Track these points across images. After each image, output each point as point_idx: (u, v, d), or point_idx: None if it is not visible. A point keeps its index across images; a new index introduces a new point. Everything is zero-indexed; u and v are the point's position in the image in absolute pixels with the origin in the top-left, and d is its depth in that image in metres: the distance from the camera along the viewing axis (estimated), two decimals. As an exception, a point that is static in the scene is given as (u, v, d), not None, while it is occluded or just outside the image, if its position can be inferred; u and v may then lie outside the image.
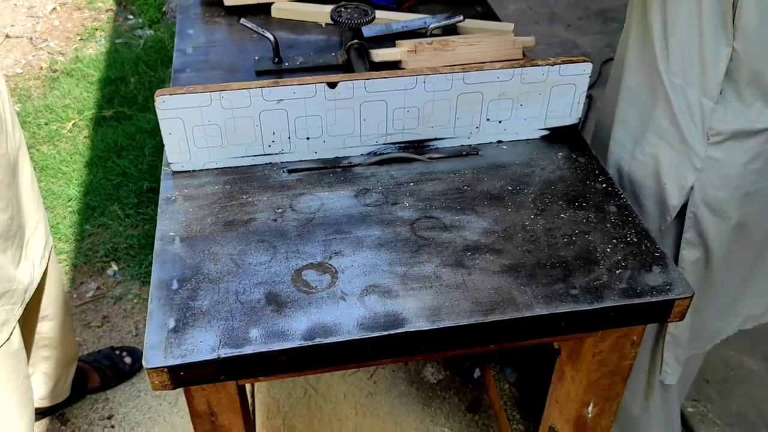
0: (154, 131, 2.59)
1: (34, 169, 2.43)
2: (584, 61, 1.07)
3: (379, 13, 1.37)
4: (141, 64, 3.03)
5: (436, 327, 0.83)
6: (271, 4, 1.48)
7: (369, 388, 1.85)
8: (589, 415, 1.06)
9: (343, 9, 1.31)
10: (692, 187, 1.05)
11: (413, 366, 1.89)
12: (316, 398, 1.82)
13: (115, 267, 2.15)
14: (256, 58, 1.31)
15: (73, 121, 2.73)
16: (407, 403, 1.80)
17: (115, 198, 2.37)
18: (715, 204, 1.05)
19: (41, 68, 3.12)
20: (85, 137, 2.66)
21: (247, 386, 1.59)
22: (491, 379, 1.74)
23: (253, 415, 1.77)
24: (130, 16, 3.55)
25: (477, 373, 1.86)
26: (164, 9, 3.74)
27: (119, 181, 2.42)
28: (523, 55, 1.29)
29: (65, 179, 2.45)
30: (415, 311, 0.85)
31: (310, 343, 0.81)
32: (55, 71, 3.08)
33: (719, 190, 1.03)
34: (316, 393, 1.83)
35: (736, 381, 1.85)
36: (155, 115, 1.01)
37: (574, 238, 0.95)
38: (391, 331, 0.83)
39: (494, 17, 1.47)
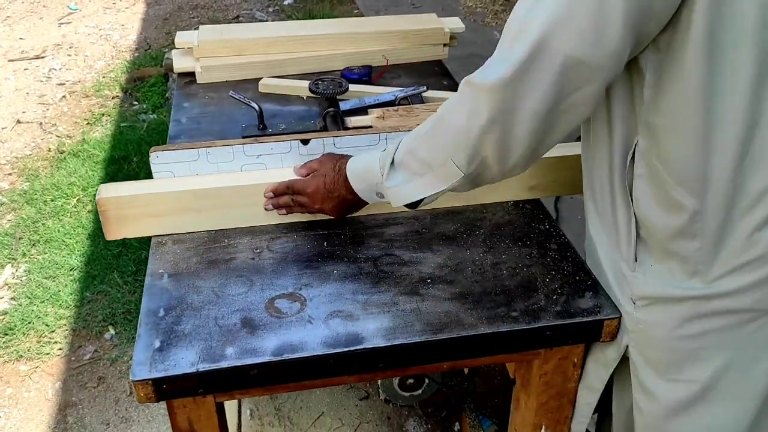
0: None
1: (39, 242, 2.57)
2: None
3: (353, 87, 1.54)
4: (143, 144, 3.22)
5: (390, 344, 0.94)
6: (244, 81, 1.66)
7: (353, 443, 1.91)
8: (543, 439, 1.15)
9: (320, 81, 1.48)
10: (627, 347, 1.01)
11: (396, 420, 1.95)
12: (302, 452, 1.88)
13: (112, 331, 2.25)
14: (243, 125, 1.47)
15: (77, 197, 2.89)
16: (390, 456, 1.86)
17: (114, 266, 2.49)
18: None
19: (50, 150, 3.31)
20: (88, 211, 2.81)
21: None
22: (468, 429, 1.81)
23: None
24: (135, 102, 3.78)
25: (457, 426, 1.92)
26: (167, 95, 3.98)
27: (119, 250, 2.55)
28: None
29: (68, 250, 2.58)
30: (373, 331, 0.96)
31: (278, 358, 0.92)
32: (62, 152, 3.26)
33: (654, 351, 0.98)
34: (301, 448, 1.89)
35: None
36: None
37: (517, 271, 1.07)
38: (351, 348, 0.93)
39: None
